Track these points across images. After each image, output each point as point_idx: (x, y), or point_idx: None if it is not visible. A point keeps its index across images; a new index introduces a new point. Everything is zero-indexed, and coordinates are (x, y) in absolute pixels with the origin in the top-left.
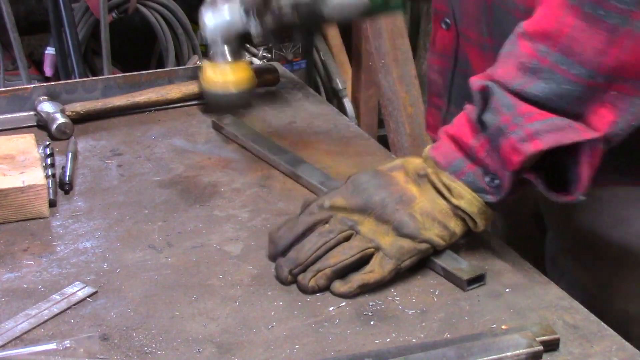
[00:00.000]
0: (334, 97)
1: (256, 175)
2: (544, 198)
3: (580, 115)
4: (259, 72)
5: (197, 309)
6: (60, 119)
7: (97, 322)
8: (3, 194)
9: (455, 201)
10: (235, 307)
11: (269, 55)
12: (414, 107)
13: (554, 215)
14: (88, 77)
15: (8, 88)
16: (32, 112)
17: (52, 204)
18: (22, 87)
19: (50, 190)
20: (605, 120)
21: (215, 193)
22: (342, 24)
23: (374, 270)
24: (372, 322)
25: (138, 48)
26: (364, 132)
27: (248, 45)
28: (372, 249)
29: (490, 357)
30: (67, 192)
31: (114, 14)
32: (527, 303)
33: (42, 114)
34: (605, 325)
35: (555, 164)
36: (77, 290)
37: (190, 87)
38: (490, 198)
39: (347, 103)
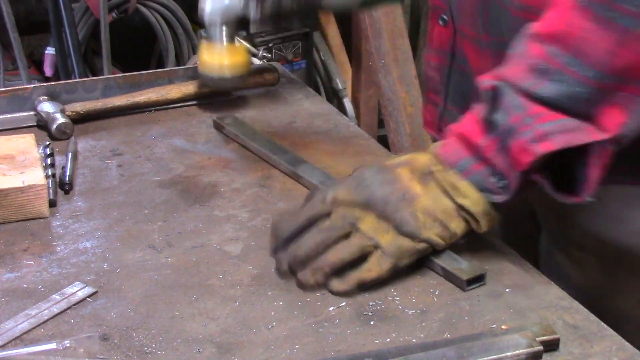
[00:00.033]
0: (334, 97)
1: (256, 175)
2: (538, 198)
3: (590, 117)
4: (259, 72)
5: (197, 309)
6: (60, 119)
7: (97, 322)
8: (3, 194)
9: (460, 200)
10: (235, 307)
11: (269, 55)
12: (414, 107)
13: (549, 215)
14: (88, 77)
15: (8, 88)
16: (32, 112)
17: (52, 204)
18: (22, 87)
19: (50, 190)
20: (615, 122)
21: (215, 193)
22: (340, 13)
23: (372, 269)
24: (372, 322)
25: (138, 48)
26: (364, 132)
27: (248, 46)
28: (371, 247)
29: (490, 357)
30: (67, 192)
31: (114, 14)
32: (527, 303)
33: (42, 114)
34: (605, 325)
35: (562, 165)
36: (77, 290)
37: (190, 87)
38: (497, 198)
39: (347, 103)
